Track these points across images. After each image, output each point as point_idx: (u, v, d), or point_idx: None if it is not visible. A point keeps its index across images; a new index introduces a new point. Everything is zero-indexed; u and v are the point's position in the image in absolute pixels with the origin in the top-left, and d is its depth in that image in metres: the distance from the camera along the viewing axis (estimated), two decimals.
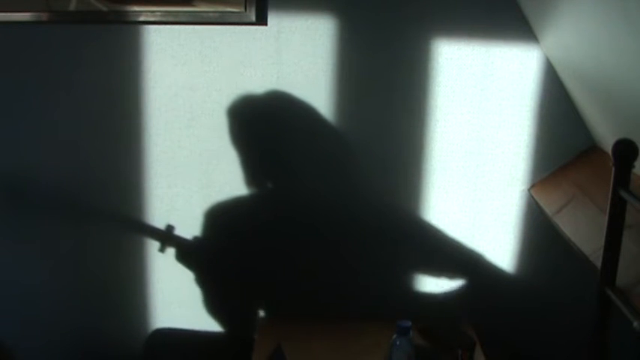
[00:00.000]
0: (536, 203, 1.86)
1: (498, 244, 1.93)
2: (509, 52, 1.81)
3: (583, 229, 1.55)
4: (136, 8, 1.81)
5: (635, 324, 1.04)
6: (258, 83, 1.86)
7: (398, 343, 1.58)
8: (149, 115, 1.90)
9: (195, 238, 1.97)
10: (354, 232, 1.95)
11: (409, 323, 1.58)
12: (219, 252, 1.99)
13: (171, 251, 1.98)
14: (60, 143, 1.94)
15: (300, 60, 1.84)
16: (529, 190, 1.89)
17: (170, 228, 1.96)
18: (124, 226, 1.98)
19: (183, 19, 1.81)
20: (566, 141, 1.85)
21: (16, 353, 2.08)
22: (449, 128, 1.86)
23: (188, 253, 1.98)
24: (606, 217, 1.17)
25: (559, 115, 1.83)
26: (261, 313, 2.04)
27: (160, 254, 1.97)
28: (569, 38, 1.54)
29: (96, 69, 1.88)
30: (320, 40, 1.82)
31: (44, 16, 1.84)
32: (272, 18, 1.81)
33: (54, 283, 2.03)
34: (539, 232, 1.90)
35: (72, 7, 1.82)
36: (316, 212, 1.94)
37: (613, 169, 1.15)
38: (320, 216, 1.95)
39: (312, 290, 2.01)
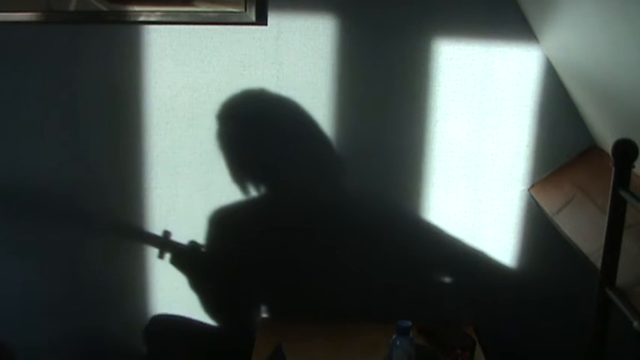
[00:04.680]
0: (536, 203, 1.86)
1: (498, 244, 1.93)
2: (509, 52, 1.81)
3: (583, 229, 1.55)
4: (136, 8, 1.81)
5: (635, 324, 1.04)
6: (258, 83, 1.86)
7: (398, 343, 1.57)
8: (149, 116, 1.90)
9: (193, 242, 1.97)
10: (353, 232, 1.95)
11: (409, 323, 1.57)
12: (218, 253, 1.99)
13: (169, 256, 1.98)
14: (59, 143, 1.94)
15: (300, 60, 1.84)
16: (529, 190, 1.89)
17: (167, 234, 1.96)
18: (124, 228, 1.98)
19: (183, 19, 1.81)
20: (566, 141, 1.85)
21: (17, 354, 2.07)
22: (449, 128, 1.86)
23: (186, 257, 1.98)
24: (606, 217, 1.17)
25: (559, 115, 1.83)
26: (261, 313, 2.04)
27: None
28: (569, 38, 1.54)
29: (96, 69, 1.88)
30: (320, 40, 1.82)
31: (44, 16, 1.84)
32: (272, 18, 1.81)
33: (54, 285, 2.03)
34: (539, 232, 1.90)
35: (72, 7, 1.82)
36: (316, 212, 1.94)
37: (613, 169, 1.15)
38: (320, 216, 1.95)
39: (312, 290, 2.01)
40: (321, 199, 1.94)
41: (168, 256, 1.98)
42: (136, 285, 2.02)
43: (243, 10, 1.79)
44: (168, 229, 1.96)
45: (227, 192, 1.93)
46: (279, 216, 1.96)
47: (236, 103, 1.88)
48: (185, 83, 1.87)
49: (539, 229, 1.90)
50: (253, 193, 1.94)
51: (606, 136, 1.69)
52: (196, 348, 2.07)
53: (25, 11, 1.84)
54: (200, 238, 1.97)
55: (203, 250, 1.98)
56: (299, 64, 1.84)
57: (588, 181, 1.70)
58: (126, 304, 2.05)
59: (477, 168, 1.89)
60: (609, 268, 1.18)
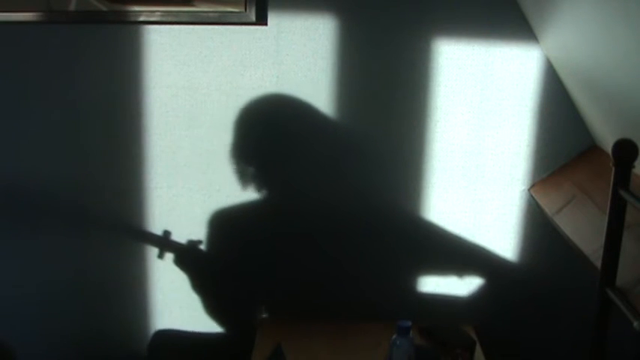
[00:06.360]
0: (536, 203, 1.86)
1: (498, 244, 1.93)
2: (509, 52, 1.81)
3: (583, 229, 1.55)
4: (136, 8, 1.81)
5: (635, 324, 1.04)
6: (258, 83, 1.86)
7: (398, 343, 1.58)
8: (149, 116, 1.90)
9: (193, 242, 1.97)
10: (353, 232, 1.95)
11: (409, 323, 1.58)
12: (218, 253, 1.99)
13: (170, 256, 1.98)
14: (59, 143, 1.94)
15: (300, 60, 1.84)
16: (529, 190, 1.89)
17: (167, 233, 1.96)
18: (124, 228, 1.98)
19: (184, 19, 1.81)
20: (566, 141, 1.85)
21: (17, 354, 2.07)
22: (449, 128, 1.86)
23: (186, 257, 1.98)
24: (606, 217, 1.17)
25: (559, 115, 1.83)
26: (262, 313, 2.04)
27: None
28: (569, 38, 1.54)
29: (96, 69, 1.88)
30: (320, 40, 1.82)
31: (44, 16, 1.84)
32: (272, 18, 1.81)
33: (55, 285, 2.03)
34: (539, 232, 1.90)
35: (72, 7, 1.82)
36: (316, 212, 1.94)
37: (613, 169, 1.15)
38: (319, 216, 1.95)
39: (312, 290, 2.01)
40: (321, 199, 1.94)
41: (168, 255, 1.98)
42: (136, 285, 2.02)
43: (243, 10, 1.79)
44: (168, 229, 1.96)
45: (227, 192, 1.93)
46: (279, 216, 1.96)
47: (235, 103, 1.88)
48: (185, 83, 1.87)
49: (539, 229, 1.90)
50: (253, 193, 1.94)
51: (606, 136, 1.69)
52: (196, 347, 2.07)
53: (25, 11, 1.84)
54: (200, 238, 1.97)
55: (203, 249, 1.98)
56: (299, 64, 1.84)
57: (588, 181, 1.70)
58: (126, 303, 2.05)
59: (477, 168, 1.89)
60: (609, 268, 1.18)
